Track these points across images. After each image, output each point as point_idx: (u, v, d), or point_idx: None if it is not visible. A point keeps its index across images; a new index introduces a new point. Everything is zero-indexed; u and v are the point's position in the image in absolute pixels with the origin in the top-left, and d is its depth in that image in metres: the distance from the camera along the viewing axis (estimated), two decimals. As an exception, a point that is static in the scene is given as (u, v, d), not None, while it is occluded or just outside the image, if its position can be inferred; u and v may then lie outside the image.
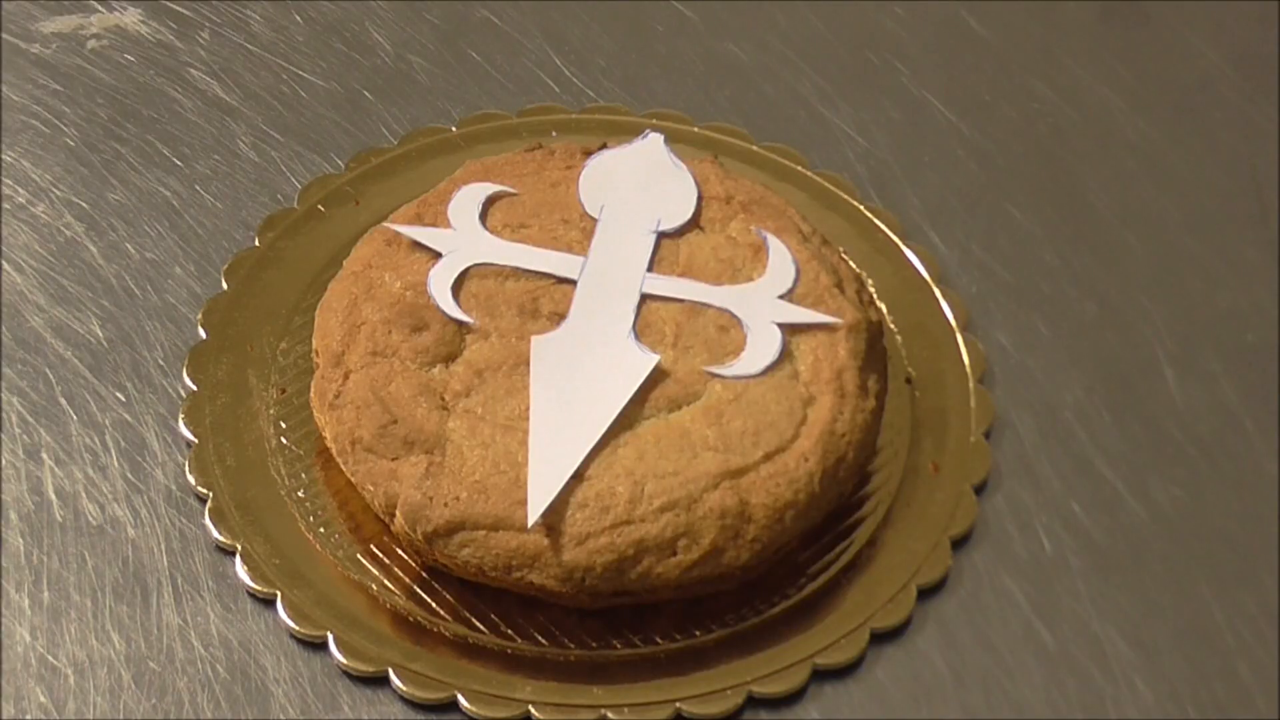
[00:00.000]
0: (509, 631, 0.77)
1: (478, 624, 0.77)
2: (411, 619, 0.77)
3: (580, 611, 0.77)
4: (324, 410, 0.80)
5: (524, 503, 0.75)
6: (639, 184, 0.83)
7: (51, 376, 0.84)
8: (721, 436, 0.76)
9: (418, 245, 0.81)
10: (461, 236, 0.81)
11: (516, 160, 0.85)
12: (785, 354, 0.79)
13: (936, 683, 0.77)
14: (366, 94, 0.97)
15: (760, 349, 0.79)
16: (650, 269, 0.80)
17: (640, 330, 0.79)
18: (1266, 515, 0.83)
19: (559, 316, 0.79)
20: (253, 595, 0.78)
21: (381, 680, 0.76)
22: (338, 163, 0.93)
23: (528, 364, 0.78)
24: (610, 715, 0.75)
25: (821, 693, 0.77)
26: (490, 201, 0.83)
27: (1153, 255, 0.92)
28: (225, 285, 0.87)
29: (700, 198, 0.83)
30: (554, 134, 0.94)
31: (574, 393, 0.77)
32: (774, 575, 0.79)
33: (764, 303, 0.80)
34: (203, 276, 0.88)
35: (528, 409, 0.77)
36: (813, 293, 0.81)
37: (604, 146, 0.86)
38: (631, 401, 0.77)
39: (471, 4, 1.02)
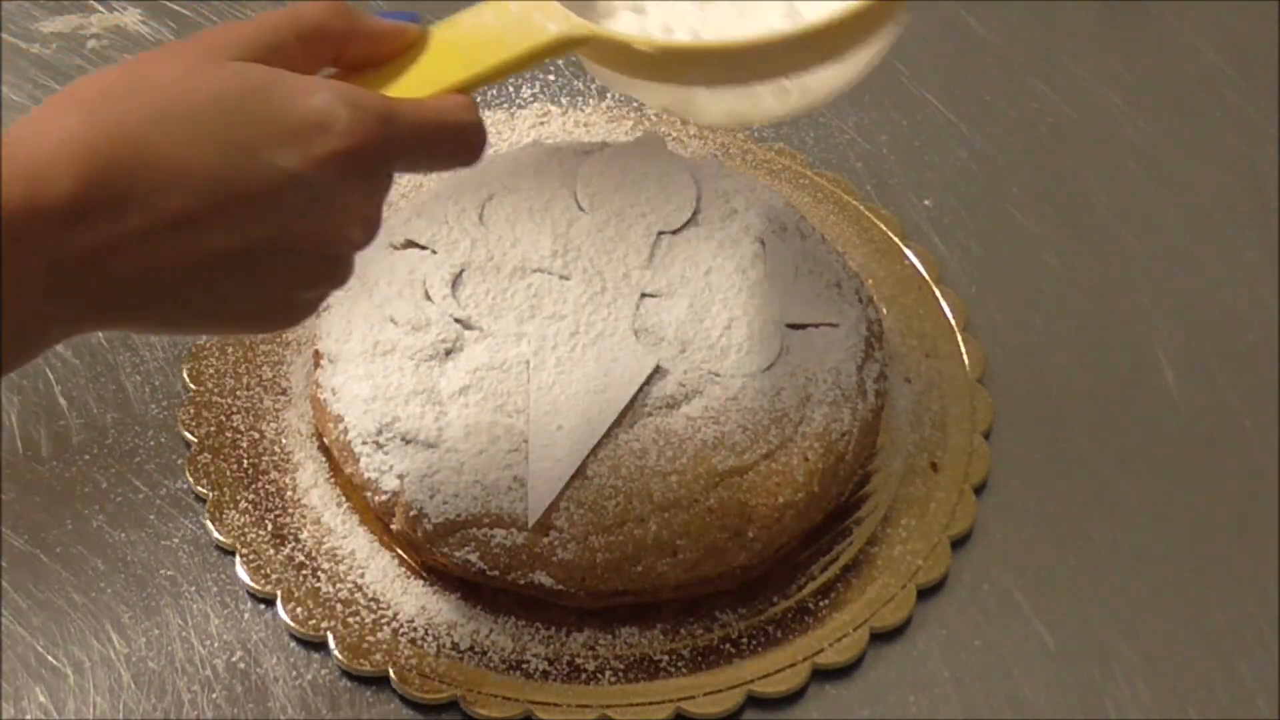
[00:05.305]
0: (509, 631, 0.77)
1: (478, 624, 0.77)
2: (411, 619, 0.77)
3: (580, 611, 0.77)
4: (324, 410, 0.79)
5: (524, 502, 0.75)
6: (638, 182, 0.83)
7: (51, 376, 0.84)
8: (721, 436, 0.76)
9: (417, 243, 0.81)
10: (460, 234, 0.81)
11: (517, 156, 0.85)
12: (784, 353, 0.79)
13: (936, 683, 0.77)
14: (366, 94, 0.97)
15: (760, 348, 0.78)
16: (650, 268, 0.80)
17: (640, 330, 0.79)
18: (1266, 515, 0.83)
19: (558, 316, 0.79)
20: (253, 595, 0.78)
21: (381, 680, 0.76)
22: (338, 163, 0.93)
23: (527, 362, 0.78)
24: (610, 715, 0.75)
25: (821, 693, 0.77)
26: (489, 199, 0.82)
27: (1153, 255, 0.92)
28: (225, 285, 0.87)
29: (699, 197, 0.83)
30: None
31: (574, 392, 0.77)
32: (774, 575, 0.79)
33: (763, 302, 0.80)
34: (203, 276, 0.87)
35: (527, 408, 0.76)
36: (812, 292, 0.81)
37: (604, 145, 0.85)
38: (631, 401, 0.77)
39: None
